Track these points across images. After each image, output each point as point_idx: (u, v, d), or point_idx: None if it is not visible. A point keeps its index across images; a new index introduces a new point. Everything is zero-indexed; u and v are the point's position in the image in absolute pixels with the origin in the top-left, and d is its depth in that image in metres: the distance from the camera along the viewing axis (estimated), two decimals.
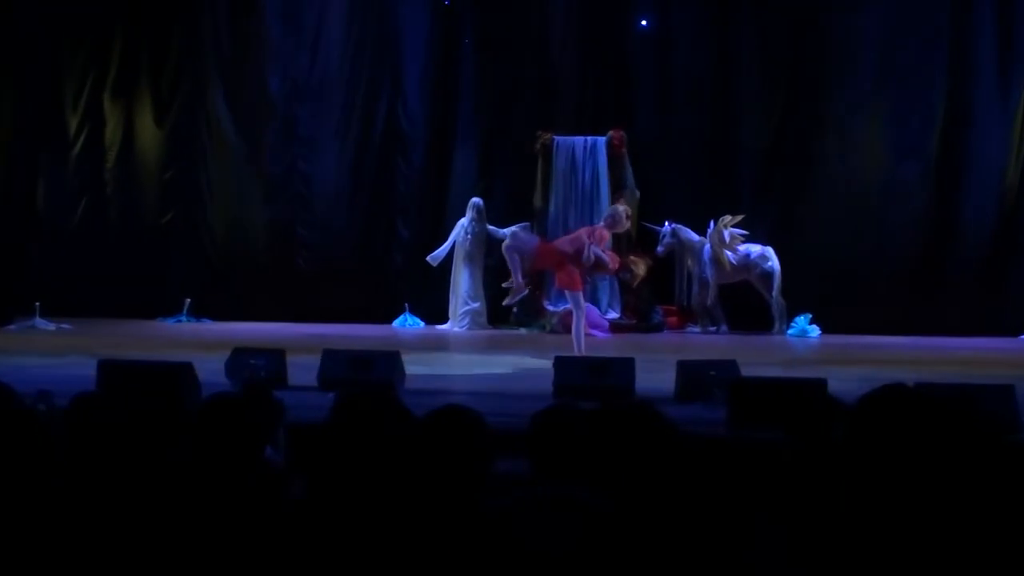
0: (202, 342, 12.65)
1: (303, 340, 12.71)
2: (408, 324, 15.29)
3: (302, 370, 9.10)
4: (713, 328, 14.76)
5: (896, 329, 14.09)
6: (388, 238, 15.72)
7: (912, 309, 14.50)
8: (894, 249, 14.80)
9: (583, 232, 10.74)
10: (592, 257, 10.41)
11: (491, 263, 14.82)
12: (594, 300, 14.44)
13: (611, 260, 10.72)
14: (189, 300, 15.64)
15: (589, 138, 15.18)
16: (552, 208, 14.97)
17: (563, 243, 10.75)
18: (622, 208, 11.40)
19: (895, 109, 14.99)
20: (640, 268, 14.21)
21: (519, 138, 15.24)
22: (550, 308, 14.68)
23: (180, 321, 15.45)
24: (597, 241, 10.54)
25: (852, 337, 13.84)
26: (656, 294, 15.16)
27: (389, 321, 15.29)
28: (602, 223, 10.89)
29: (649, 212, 15.02)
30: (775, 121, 15.30)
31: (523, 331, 14.74)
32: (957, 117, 14.84)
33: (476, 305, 15.12)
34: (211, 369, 8.84)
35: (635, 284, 14.22)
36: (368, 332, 14.07)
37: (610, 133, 15.07)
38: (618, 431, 2.87)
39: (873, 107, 15.06)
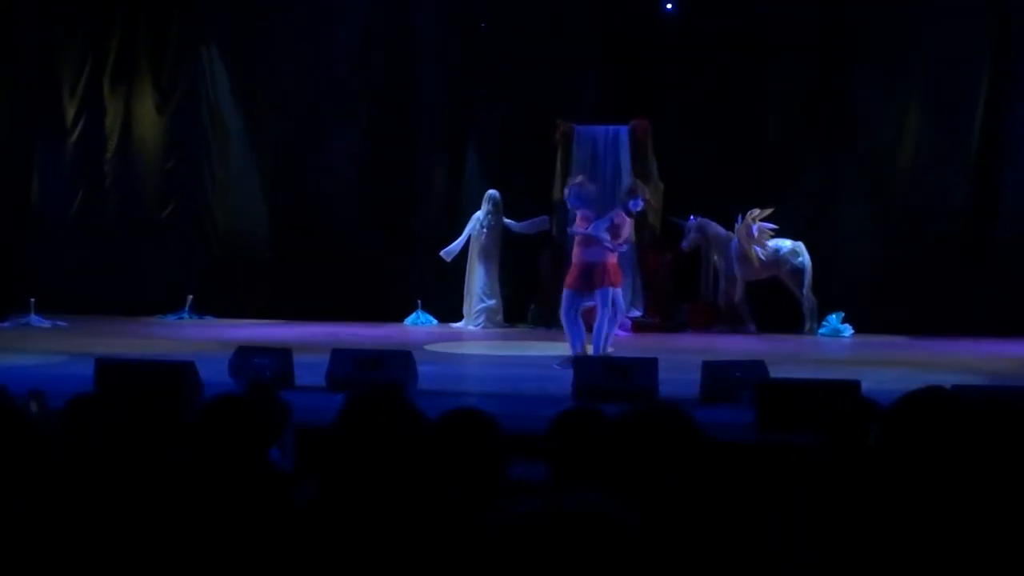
0: (205, 340, 12.68)
1: (311, 339, 12.73)
2: (420, 322, 15.30)
3: (310, 370, 9.12)
4: (741, 327, 14.74)
5: (933, 329, 14.04)
6: (400, 232, 15.72)
7: (950, 308, 14.44)
8: (931, 246, 14.74)
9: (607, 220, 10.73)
10: (622, 244, 10.52)
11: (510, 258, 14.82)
12: None
13: (625, 237, 10.73)
14: (191, 297, 15.68)
15: (611, 127, 15.15)
16: None
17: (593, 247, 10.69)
18: (630, 181, 11.38)
19: (933, 101, 14.92)
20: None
21: (538, 127, 15.23)
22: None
23: (182, 318, 15.49)
24: (618, 229, 10.59)
25: (887, 337, 13.80)
26: (680, 291, 15.14)
27: (401, 319, 15.30)
28: (619, 208, 10.82)
29: (674, 205, 15.00)
30: (806, 111, 15.25)
31: (542, 329, 14.74)
32: (999, 110, 14.76)
33: (492, 302, 15.12)
34: (214, 369, 8.87)
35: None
36: (379, 331, 14.09)
37: (633, 122, 15.04)
38: (643, 435, 2.87)
39: (909, 99, 14.99)
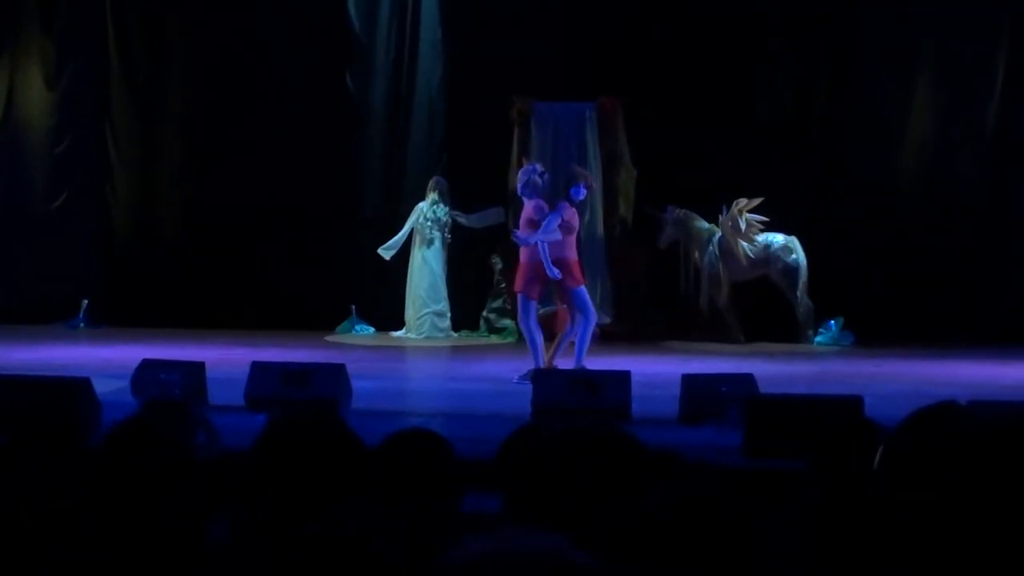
0: (102, 353, 12.60)
1: (227, 350, 12.66)
2: (355, 331, 15.27)
3: (225, 387, 9.09)
4: (726, 335, 14.78)
5: (945, 337, 14.15)
6: (331, 226, 15.67)
7: (963, 316, 14.57)
8: (942, 244, 14.87)
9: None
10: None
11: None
12: None
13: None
14: (86, 302, 15.57)
15: (576, 104, 15.18)
16: None
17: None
18: (571, 167, 11.42)
19: (945, 81, 15.07)
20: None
21: (490, 104, 15.23)
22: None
23: (76, 327, 15.37)
24: (568, 224, 10.65)
25: (893, 347, 13.90)
26: (656, 294, 15.19)
27: (332, 328, 15.26)
28: (563, 202, 10.83)
29: (649, 194, 15.04)
30: (804, 89, 15.35)
31: (496, 339, 14.74)
32: (1018, 101, 14.92)
33: (438, 307, 15.11)
34: (114, 386, 8.81)
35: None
36: (306, 341, 14.04)
37: (601, 98, 15.08)
38: (596, 460, 2.87)
39: (918, 79, 15.13)
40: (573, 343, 10.81)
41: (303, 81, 15.91)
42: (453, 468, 3.28)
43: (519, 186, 10.99)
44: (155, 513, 3.24)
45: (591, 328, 10.83)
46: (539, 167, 11.26)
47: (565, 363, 10.75)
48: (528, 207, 10.81)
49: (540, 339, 10.68)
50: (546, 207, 10.74)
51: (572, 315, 10.70)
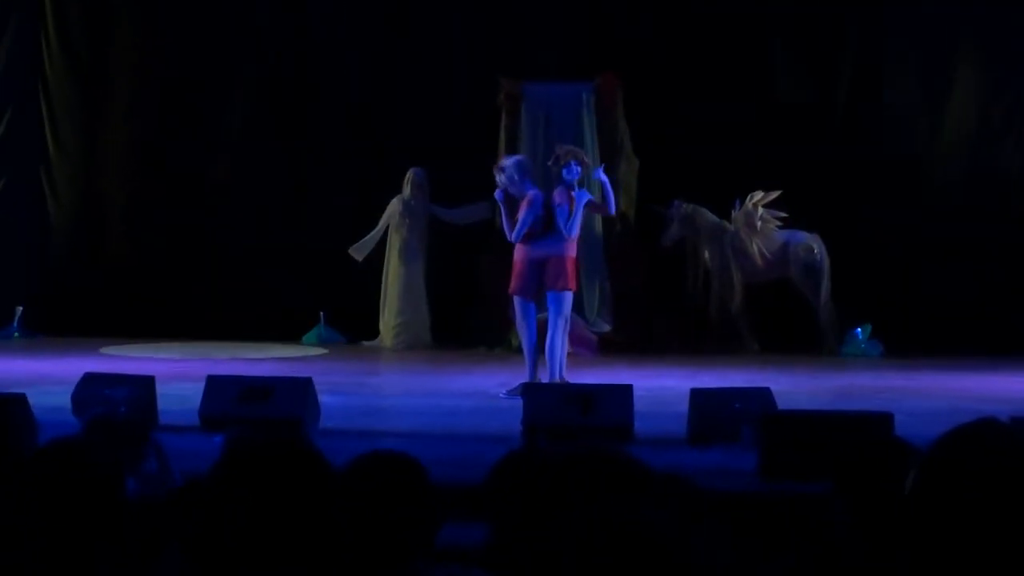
0: (39, 365, 12.56)
1: (180, 363, 12.64)
2: (324, 340, 15.25)
3: (178, 404, 9.08)
4: (739, 345, 14.79)
5: (984, 349, 14.15)
6: (297, 224, 15.65)
7: (1005, 324, 14.57)
8: (983, 247, 14.87)
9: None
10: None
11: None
12: (578, 307, 14.45)
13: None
14: (21, 308, 15.53)
15: (571, 85, 15.18)
16: None
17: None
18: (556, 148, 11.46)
19: (985, 57, 15.08)
20: None
21: (477, 86, 15.21)
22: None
23: (9, 336, 15.34)
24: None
25: (927, 358, 13.90)
26: (661, 299, 15.19)
27: (298, 337, 15.24)
28: (559, 187, 10.89)
29: (653, 187, 15.04)
30: (827, 70, 15.34)
31: (481, 349, 14.73)
32: None
33: (416, 314, 15.09)
34: (52, 404, 8.78)
35: None
36: (268, 352, 14.01)
37: (599, 80, 15.07)
38: (594, 486, 2.87)
39: (960, 61, 15.13)
40: (570, 352, 10.84)
41: (262, 61, 15.88)
42: (427, 496, 3.27)
43: (505, 183, 10.97)
44: (87, 555, 3.22)
45: (565, 335, 10.83)
46: (507, 159, 11.33)
47: (574, 376, 10.75)
48: (524, 199, 10.82)
49: (536, 346, 10.70)
50: (539, 199, 10.76)
51: (555, 323, 10.68)
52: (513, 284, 10.81)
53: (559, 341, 10.68)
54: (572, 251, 10.81)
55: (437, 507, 3.28)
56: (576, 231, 10.82)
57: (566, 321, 10.84)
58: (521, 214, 10.73)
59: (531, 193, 10.79)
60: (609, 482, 2.87)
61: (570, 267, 10.75)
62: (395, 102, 15.79)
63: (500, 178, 10.93)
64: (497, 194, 11.03)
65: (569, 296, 10.79)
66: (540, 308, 10.95)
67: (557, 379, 10.50)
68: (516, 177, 10.86)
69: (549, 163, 11.28)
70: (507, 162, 11.15)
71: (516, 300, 10.83)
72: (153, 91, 15.95)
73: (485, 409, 10.24)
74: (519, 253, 10.78)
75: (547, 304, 10.76)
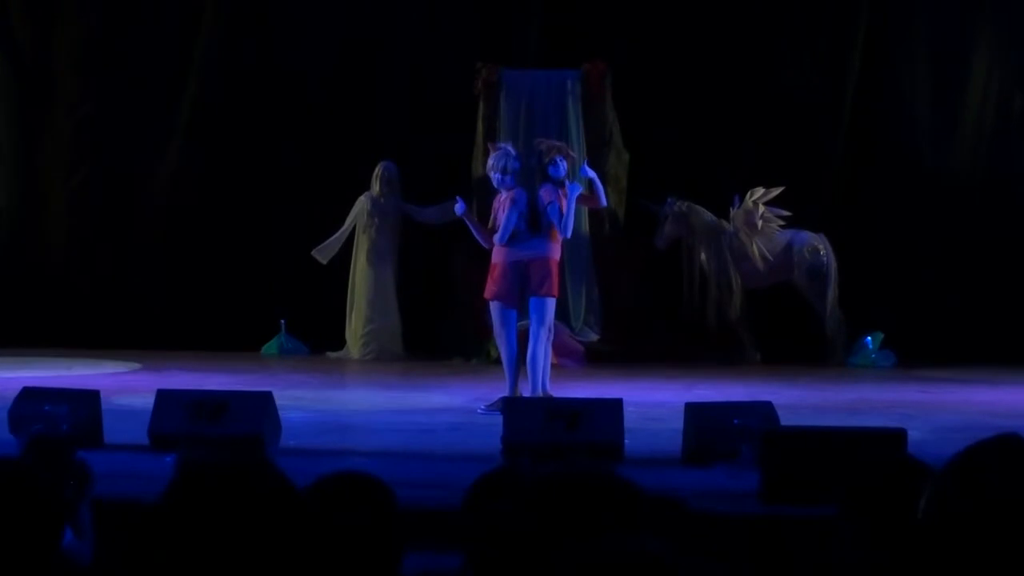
0: None
1: (128, 376, 12.61)
2: (285, 351, 15.24)
3: (125, 421, 9.06)
4: (739, 355, 14.81)
5: (1004, 359, 14.18)
6: (254, 225, 15.63)
7: (1021, 333, 14.62)
8: (1002, 250, 14.91)
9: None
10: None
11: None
12: (563, 314, 14.47)
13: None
14: None
15: (555, 72, 15.19)
16: None
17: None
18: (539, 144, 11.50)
19: (1013, 58, 15.13)
20: None
21: (452, 72, 15.21)
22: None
23: None
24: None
25: (942, 369, 13.93)
26: (654, 305, 15.20)
27: (258, 347, 15.23)
28: (546, 185, 10.92)
29: (644, 182, 15.05)
30: (835, 58, 15.37)
31: (457, 360, 14.72)
32: None
33: (386, 322, 15.09)
34: None
35: None
36: (225, 363, 14.00)
37: (585, 66, 15.08)
38: (580, 510, 2.87)
39: (980, 52, 15.17)
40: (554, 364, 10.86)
41: (217, 47, 15.85)
42: (394, 521, 3.27)
43: (495, 176, 10.97)
44: (22, 567, 3.22)
45: (548, 344, 10.85)
46: (512, 149, 11.27)
47: (558, 390, 10.76)
48: (503, 198, 10.82)
49: (517, 357, 10.70)
50: (523, 198, 10.78)
51: (537, 332, 10.69)
52: (491, 289, 10.80)
53: (541, 351, 10.69)
54: (556, 253, 10.82)
55: (403, 534, 3.28)
56: (570, 231, 10.83)
57: (549, 330, 10.85)
58: (504, 213, 10.71)
59: (515, 190, 10.79)
60: (596, 506, 2.87)
61: (555, 270, 10.75)
62: (362, 89, 15.78)
63: (505, 163, 10.84)
64: (458, 208, 11.03)
65: (552, 303, 10.79)
66: (521, 315, 10.95)
67: (540, 393, 10.49)
68: (518, 171, 10.85)
69: (532, 160, 11.28)
70: (512, 151, 11.10)
71: (494, 306, 10.81)
72: (96, 82, 15.90)
73: (461, 426, 10.24)
74: (498, 255, 10.77)
75: (529, 311, 10.75)
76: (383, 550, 3.22)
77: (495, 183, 11.01)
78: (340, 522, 3.19)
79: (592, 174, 11.25)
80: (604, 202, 11.66)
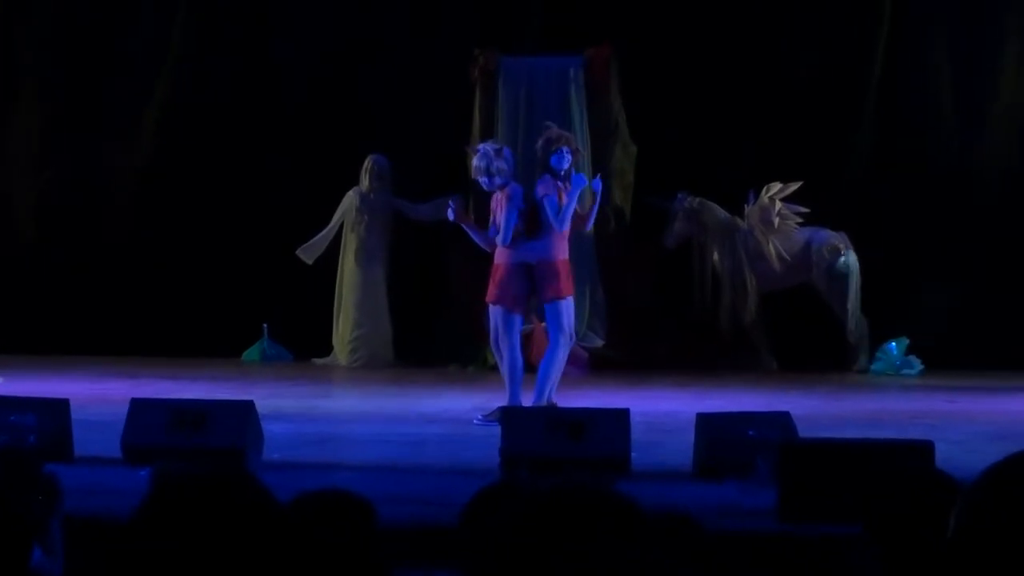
0: None
1: (100, 383, 12.61)
2: (268, 357, 15.24)
3: (97, 432, 9.05)
4: (754, 361, 14.81)
5: None
6: (234, 221, 15.62)
7: None
8: None
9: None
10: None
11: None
12: None
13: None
14: None
15: (556, 59, 15.20)
16: None
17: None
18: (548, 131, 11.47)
19: None
20: None
21: (447, 59, 15.22)
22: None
23: None
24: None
25: (970, 377, 13.93)
26: (663, 308, 15.20)
27: (239, 353, 15.23)
28: (546, 177, 10.94)
29: (653, 177, 15.06)
30: (856, 44, 15.37)
31: (452, 367, 14.73)
32: None
33: (376, 326, 15.09)
34: None
35: None
36: (203, 371, 14.00)
37: (589, 51, 15.09)
38: (583, 527, 2.87)
39: (1011, 36, 15.18)
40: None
41: (192, 32, 15.85)
42: (373, 542, 3.27)
43: (482, 180, 10.97)
44: None
45: (566, 353, 10.86)
46: (491, 147, 11.25)
47: (561, 399, 10.76)
48: (501, 195, 10.82)
49: (521, 365, 10.71)
50: (520, 194, 10.79)
51: (555, 339, 10.72)
52: (493, 292, 10.78)
53: (558, 359, 10.69)
54: (562, 252, 10.79)
55: (385, 553, 3.29)
56: (567, 224, 10.78)
57: (569, 336, 10.81)
58: (503, 211, 10.70)
59: (509, 187, 10.79)
60: (601, 523, 2.87)
61: (562, 270, 10.73)
62: (350, 80, 15.79)
63: (487, 164, 10.85)
64: (451, 215, 11.01)
65: (566, 304, 10.74)
66: (525, 320, 10.96)
67: (544, 403, 10.48)
68: (506, 168, 10.84)
69: (536, 146, 11.24)
70: (504, 151, 11.08)
71: (496, 311, 10.78)
72: (65, 68, 15.91)
73: (457, 437, 10.22)
74: (501, 256, 10.76)
75: (544, 319, 10.75)
76: (364, 569, 3.22)
77: (484, 187, 11.02)
78: (319, 541, 3.19)
79: (598, 188, 11.18)
80: (590, 226, 11.73)
